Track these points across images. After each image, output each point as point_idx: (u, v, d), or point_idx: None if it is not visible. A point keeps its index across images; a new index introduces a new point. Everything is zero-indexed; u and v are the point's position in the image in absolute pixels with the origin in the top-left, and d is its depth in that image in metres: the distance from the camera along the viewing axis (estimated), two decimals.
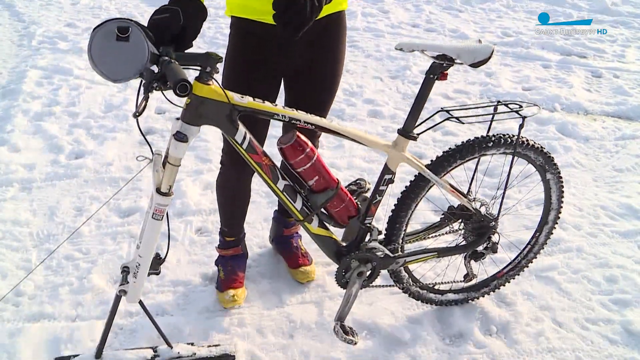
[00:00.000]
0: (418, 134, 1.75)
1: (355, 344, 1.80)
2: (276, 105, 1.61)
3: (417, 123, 1.74)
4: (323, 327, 2.12)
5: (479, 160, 1.92)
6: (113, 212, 2.75)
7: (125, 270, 1.81)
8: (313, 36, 1.75)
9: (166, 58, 1.40)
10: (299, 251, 2.37)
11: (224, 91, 1.51)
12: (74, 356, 1.89)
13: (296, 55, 1.82)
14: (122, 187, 2.27)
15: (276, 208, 2.43)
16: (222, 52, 1.66)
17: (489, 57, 1.62)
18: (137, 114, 1.39)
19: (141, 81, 1.49)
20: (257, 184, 2.58)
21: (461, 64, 1.64)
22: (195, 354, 1.92)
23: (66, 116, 3.68)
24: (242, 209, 2.21)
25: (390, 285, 2.07)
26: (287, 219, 2.37)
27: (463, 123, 1.73)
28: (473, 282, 2.16)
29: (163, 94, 1.46)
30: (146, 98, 1.43)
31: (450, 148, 1.84)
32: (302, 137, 1.66)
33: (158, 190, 1.59)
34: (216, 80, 1.51)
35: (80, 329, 2.08)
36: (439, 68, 1.66)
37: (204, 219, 2.72)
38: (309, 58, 1.85)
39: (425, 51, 1.64)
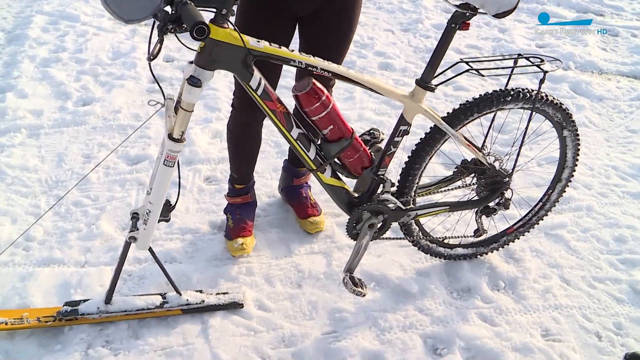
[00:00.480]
0: (436, 85, 1.70)
1: (364, 295, 1.81)
2: (292, 50, 1.56)
3: (435, 74, 1.70)
4: (331, 277, 2.13)
5: (495, 114, 1.88)
6: (121, 160, 2.74)
7: (135, 216, 1.81)
8: None
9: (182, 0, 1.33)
10: (308, 201, 2.35)
11: (239, 35, 1.46)
12: (84, 301, 1.91)
13: None
14: (132, 132, 2.25)
15: (286, 157, 2.41)
16: None
17: (514, 8, 1.57)
18: (151, 57, 1.36)
19: (154, 22, 1.44)
20: (267, 134, 2.55)
21: (485, 13, 1.58)
22: (203, 301, 1.94)
23: (73, 63, 3.62)
24: (252, 155, 2.19)
25: (400, 238, 2.06)
26: (297, 168, 2.34)
27: (483, 76, 1.68)
28: (482, 237, 2.16)
29: (177, 36, 1.41)
30: (160, 41, 1.39)
31: (467, 101, 1.80)
32: (318, 84, 1.63)
33: (170, 136, 1.56)
34: (232, 23, 1.47)
35: (89, 274, 2.10)
36: (461, 17, 1.61)
37: (213, 168, 2.70)
38: (323, 2, 1.78)
39: (449, 0, 1.58)
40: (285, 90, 2.87)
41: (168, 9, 1.37)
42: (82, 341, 1.84)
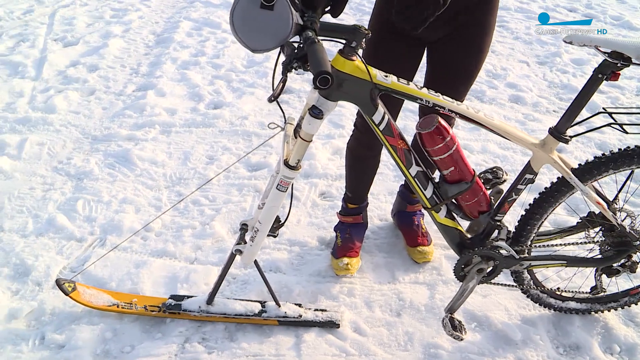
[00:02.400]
0: (571, 137, 1.61)
1: (462, 340, 1.77)
2: (421, 88, 1.54)
3: (573, 123, 1.60)
4: (432, 311, 2.09)
5: (632, 172, 1.75)
6: (242, 165, 2.86)
7: (244, 228, 1.88)
8: (462, 4, 1.66)
9: (310, 35, 1.32)
10: (419, 230, 2.33)
11: (367, 69, 1.45)
12: (188, 297, 2.03)
13: (441, 22, 1.70)
14: (255, 148, 2.35)
15: (402, 182, 2.39)
16: (365, 20, 1.60)
17: None
18: (272, 98, 1.35)
19: (278, 56, 1.46)
20: (387, 155, 2.55)
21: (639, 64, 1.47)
22: (301, 315, 1.99)
23: (210, 67, 3.86)
24: (368, 177, 2.21)
25: (509, 285, 1.98)
26: (412, 195, 2.33)
27: (627, 133, 1.56)
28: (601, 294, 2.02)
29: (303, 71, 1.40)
30: (284, 80, 1.37)
31: (603, 154, 1.68)
32: (444, 123, 1.59)
33: (286, 163, 1.58)
34: (360, 56, 1.46)
35: (197, 271, 2.22)
36: (611, 67, 1.49)
37: (329, 184, 2.75)
38: (456, 25, 1.73)
39: (599, 47, 1.48)
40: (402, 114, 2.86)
41: (296, 39, 1.37)
42: (181, 334, 1.96)
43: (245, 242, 1.82)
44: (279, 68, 1.42)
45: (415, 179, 1.64)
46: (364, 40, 1.40)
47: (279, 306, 1.98)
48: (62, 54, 4.05)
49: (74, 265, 2.25)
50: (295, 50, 1.33)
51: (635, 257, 1.87)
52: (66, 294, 1.94)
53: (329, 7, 1.47)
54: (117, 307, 1.98)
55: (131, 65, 3.96)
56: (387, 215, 2.54)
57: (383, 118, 1.54)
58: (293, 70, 1.36)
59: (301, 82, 3.68)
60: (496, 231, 1.79)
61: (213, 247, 2.35)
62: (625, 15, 4.97)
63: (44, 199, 2.61)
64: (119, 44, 4.23)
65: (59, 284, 1.95)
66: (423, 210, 2.39)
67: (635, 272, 1.89)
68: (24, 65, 3.88)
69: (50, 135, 3.11)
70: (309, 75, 3.70)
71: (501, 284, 1.98)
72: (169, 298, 2.02)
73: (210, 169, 2.81)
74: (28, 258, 2.24)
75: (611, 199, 1.76)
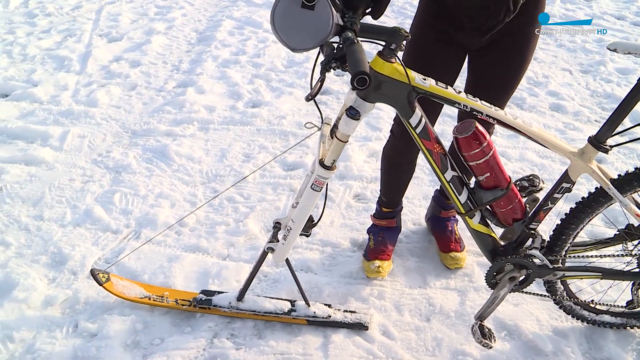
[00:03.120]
0: (612, 146, 1.58)
1: (491, 348, 1.75)
2: (459, 92, 1.54)
3: (614, 133, 1.57)
4: (462, 317, 2.08)
5: None
6: (278, 164, 2.89)
7: (277, 226, 1.90)
8: (504, 15, 1.64)
9: (350, 35, 1.33)
10: (452, 235, 2.32)
11: (405, 71, 1.45)
12: (219, 292, 2.06)
13: (484, 33, 1.70)
14: (291, 147, 2.37)
15: (437, 188, 2.38)
16: (407, 24, 1.60)
17: None
18: (310, 97, 1.37)
19: (317, 56, 1.47)
20: (423, 159, 2.55)
21: None
22: (330, 316, 1.99)
23: (250, 66, 3.91)
24: (404, 182, 2.21)
25: (541, 295, 1.95)
26: (447, 200, 2.32)
27: None
28: (637, 309, 1.97)
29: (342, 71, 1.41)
30: (322, 80, 1.39)
31: None
32: (481, 128, 1.58)
33: (321, 163, 1.59)
34: (399, 58, 1.46)
35: (228, 268, 2.25)
36: None
37: (364, 186, 2.76)
38: (499, 34, 1.71)
39: None
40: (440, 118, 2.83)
41: (336, 39, 1.38)
42: (210, 329, 1.99)
43: (278, 240, 1.84)
44: (318, 68, 1.43)
45: (450, 184, 1.63)
46: (403, 42, 1.41)
47: (309, 306, 2.00)
48: (106, 49, 4.16)
49: (109, 256, 2.31)
50: (334, 51, 1.34)
51: None
52: (100, 284, 2.00)
53: (369, 9, 1.48)
54: (149, 299, 2.02)
55: (172, 62, 4.04)
56: (421, 220, 2.53)
57: (420, 121, 1.54)
58: (331, 70, 1.37)
59: (340, 83, 3.69)
60: (530, 240, 1.77)
61: (245, 245, 2.38)
62: None
63: (83, 190, 2.69)
64: (162, 41, 4.32)
65: (93, 274, 2.01)
66: (457, 216, 2.38)
67: None
68: (69, 59, 4.00)
69: (91, 128, 3.20)
70: (348, 77, 3.69)
71: (533, 294, 1.96)
72: (200, 293, 2.06)
73: (246, 167, 2.85)
74: (65, 247, 2.32)
75: None
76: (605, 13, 4.98)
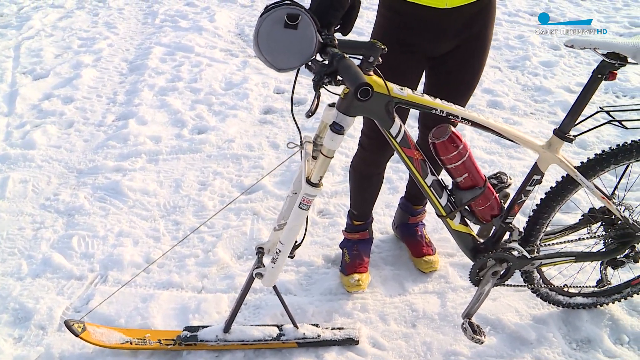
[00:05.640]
0: (575, 136, 1.67)
1: (482, 343, 1.79)
2: (434, 99, 1.58)
3: (576, 123, 1.66)
4: (446, 319, 2.11)
5: (630, 165, 1.82)
6: (236, 189, 2.85)
7: (260, 251, 1.87)
8: (464, 20, 1.70)
9: (336, 51, 1.36)
10: (423, 240, 2.36)
11: (385, 83, 1.48)
12: (203, 327, 1.99)
13: (446, 39, 1.75)
14: (273, 169, 2.34)
15: (402, 195, 2.42)
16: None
17: None
18: (309, 114, 1.39)
19: (297, 74, 1.48)
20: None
21: (635, 64, 1.54)
22: (319, 335, 1.98)
23: (189, 92, 3.83)
24: (374, 194, 2.23)
25: (521, 285, 2.02)
26: (414, 206, 2.36)
27: (627, 128, 1.63)
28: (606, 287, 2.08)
29: (325, 88, 1.43)
30: (318, 96, 1.41)
31: (604, 151, 1.75)
32: (457, 132, 1.63)
33: (308, 181, 1.59)
34: (377, 71, 1.48)
35: (207, 300, 2.19)
36: (609, 67, 1.56)
37: (326, 201, 2.76)
38: (458, 42, 1.78)
39: (597, 49, 1.55)
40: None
41: (319, 57, 1.40)
42: None
43: (264, 265, 1.80)
44: (301, 83, 1.43)
45: (431, 188, 1.67)
46: (380, 54, 1.43)
47: (297, 328, 1.97)
48: (34, 87, 3.95)
49: (77, 304, 2.18)
50: (324, 67, 1.35)
51: (638, 248, 1.94)
52: (76, 335, 1.88)
53: (338, 26, 1.49)
54: (131, 344, 1.93)
55: (107, 94, 3.89)
56: (388, 228, 2.56)
57: (400, 130, 1.57)
58: (323, 86, 1.38)
59: (283, 101, 3.68)
60: (508, 233, 1.84)
61: (219, 274, 2.33)
62: (582, 17, 5.15)
63: (36, 238, 2.54)
64: (92, 74, 4.15)
65: (68, 325, 1.89)
66: (425, 220, 2.43)
67: (638, 262, 1.96)
68: None
69: (32, 171, 3.02)
70: (289, 94, 3.68)
71: (513, 285, 2.02)
72: (184, 330, 1.98)
73: (204, 195, 2.79)
74: (27, 302, 2.17)
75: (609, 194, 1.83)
76: (519, 10, 5.25)
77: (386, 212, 2.66)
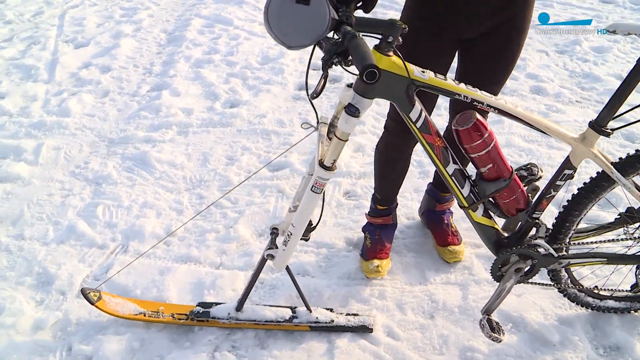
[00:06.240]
0: (613, 130, 1.55)
1: (500, 342, 1.70)
2: (458, 83, 1.48)
3: (614, 116, 1.53)
4: (466, 312, 2.03)
5: None
6: (263, 165, 2.80)
7: (274, 232, 1.83)
8: (501, 2, 1.59)
9: (349, 29, 1.27)
10: (449, 228, 2.27)
11: (404, 64, 1.40)
12: (216, 303, 1.98)
13: (480, 20, 1.64)
14: (284, 151, 2.30)
15: (431, 181, 2.33)
16: (396, 16, 1.54)
17: None
18: (314, 95, 1.32)
19: (312, 52, 1.41)
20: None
21: None
22: (333, 320, 1.93)
23: (224, 65, 3.81)
24: (399, 179, 2.15)
25: (546, 284, 1.92)
26: (441, 193, 2.27)
27: None
28: None
29: (341, 65, 1.36)
30: (325, 76, 1.34)
31: None
32: (481, 119, 1.53)
33: (321, 164, 1.53)
34: (397, 51, 1.40)
35: (223, 276, 2.17)
36: None
37: (353, 182, 2.70)
38: (493, 24, 1.66)
39: None
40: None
41: (331, 35, 1.32)
42: (210, 343, 1.91)
43: (277, 247, 1.76)
44: (313, 63, 1.37)
45: (453, 177, 1.58)
46: (400, 35, 1.34)
47: (310, 311, 1.93)
48: (74, 56, 4.01)
49: (97, 273, 2.20)
50: (335, 46, 1.28)
51: None
52: (92, 304, 1.90)
53: (360, 3, 1.41)
54: (144, 315, 1.94)
55: (144, 65, 3.91)
56: (415, 214, 2.48)
57: (420, 115, 1.48)
58: (333, 66, 1.31)
59: (318, 77, 3.60)
60: (534, 229, 1.73)
61: (238, 251, 2.30)
62: None
63: (63, 205, 2.57)
64: (131, 44, 4.18)
65: (84, 293, 1.91)
66: (452, 208, 2.34)
67: None
68: (36, 68, 3.85)
69: (66, 139, 3.07)
70: (333, 75, 3.62)
71: (538, 284, 1.92)
72: (197, 305, 1.97)
73: (230, 170, 2.76)
74: (50, 267, 2.21)
75: None
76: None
77: (414, 197, 2.57)
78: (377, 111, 3.14)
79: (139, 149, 2.94)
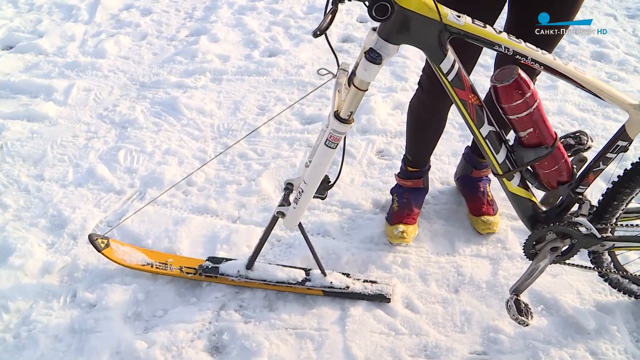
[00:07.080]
0: None
1: (527, 325, 1.54)
2: (500, 33, 1.29)
3: None
4: (494, 289, 1.88)
5: None
6: (295, 117, 2.69)
7: (289, 187, 1.71)
8: None
9: None
10: (484, 197, 2.10)
11: (436, 5, 1.22)
12: (227, 259, 1.89)
13: None
14: (304, 96, 2.14)
15: (469, 144, 2.15)
16: None
17: None
18: (317, 32, 1.17)
19: None
20: (453, 112, 2.33)
21: None
22: (348, 287, 1.82)
23: (267, 13, 3.68)
24: (432, 140, 1.98)
25: (585, 267, 1.73)
26: (479, 159, 2.09)
27: None
28: None
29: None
30: (333, 11, 1.19)
31: None
32: (524, 76, 1.33)
33: (336, 115, 1.38)
34: None
35: (238, 231, 2.08)
36: None
37: (388, 141, 2.54)
38: None
39: None
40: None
41: None
42: (217, 300, 1.83)
43: (289, 204, 1.64)
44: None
45: (487, 140, 1.41)
46: None
47: (325, 275, 1.82)
48: None
49: (111, 219, 2.15)
50: None
51: None
52: (99, 251, 1.84)
53: None
54: (151, 267, 1.87)
55: (186, 9, 3.81)
56: (450, 179, 2.31)
57: (452, 67, 1.30)
58: (345, 0, 1.15)
59: (365, 30, 3.42)
60: (576, 205, 1.54)
61: (258, 206, 2.20)
62: None
63: (86, 147, 2.53)
64: None
65: (91, 239, 1.85)
66: (490, 176, 2.15)
67: None
68: (77, 8, 3.80)
69: (98, 81, 3.02)
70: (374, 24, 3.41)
71: (576, 265, 1.74)
72: (207, 260, 1.89)
73: (260, 121, 2.65)
74: (65, 210, 2.17)
75: None
76: None
77: (451, 161, 2.40)
78: (421, 67, 2.94)
79: (169, 94, 2.86)
